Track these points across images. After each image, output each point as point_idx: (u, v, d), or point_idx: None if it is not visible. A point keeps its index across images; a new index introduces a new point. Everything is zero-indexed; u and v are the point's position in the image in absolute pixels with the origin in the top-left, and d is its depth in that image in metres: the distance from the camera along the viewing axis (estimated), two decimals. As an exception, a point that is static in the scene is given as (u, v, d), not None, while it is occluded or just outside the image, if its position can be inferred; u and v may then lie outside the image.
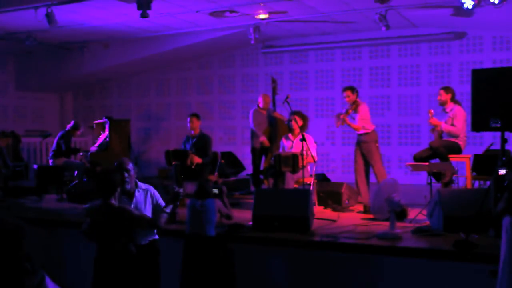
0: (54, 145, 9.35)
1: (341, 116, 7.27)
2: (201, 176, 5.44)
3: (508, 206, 4.08)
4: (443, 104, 7.19)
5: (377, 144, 7.43)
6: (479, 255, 4.70)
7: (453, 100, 7.26)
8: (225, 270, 5.22)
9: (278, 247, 5.53)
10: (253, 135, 8.67)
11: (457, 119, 7.04)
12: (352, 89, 7.44)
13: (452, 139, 7.11)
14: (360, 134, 7.45)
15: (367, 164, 7.39)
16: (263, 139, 8.42)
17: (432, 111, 7.21)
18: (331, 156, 11.17)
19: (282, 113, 8.60)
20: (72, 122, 9.53)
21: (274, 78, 8.50)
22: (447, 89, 7.23)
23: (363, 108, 7.41)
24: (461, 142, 7.13)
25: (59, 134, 9.38)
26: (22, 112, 13.11)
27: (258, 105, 8.74)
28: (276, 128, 8.47)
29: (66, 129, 9.38)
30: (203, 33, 10.72)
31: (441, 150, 7.02)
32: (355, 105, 7.35)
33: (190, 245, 5.22)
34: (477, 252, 4.71)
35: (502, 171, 4.38)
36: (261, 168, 8.59)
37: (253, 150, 8.64)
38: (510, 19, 8.59)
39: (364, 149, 7.39)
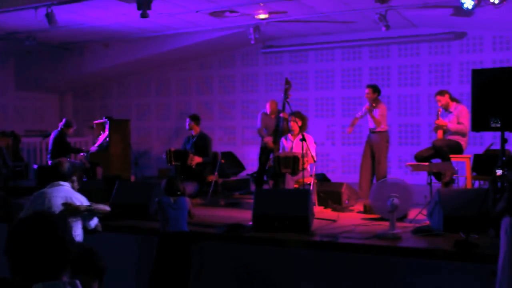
0: (50, 145, 9.36)
1: (367, 107, 7.73)
2: (173, 177, 5.63)
3: (508, 206, 4.08)
4: (446, 106, 7.29)
5: (387, 144, 7.82)
6: (479, 255, 4.70)
7: (453, 99, 7.33)
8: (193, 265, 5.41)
9: (278, 247, 5.53)
10: (261, 136, 8.76)
11: (462, 117, 7.12)
12: (374, 87, 7.85)
13: (455, 138, 7.14)
14: (374, 132, 7.78)
15: (374, 161, 7.72)
16: (268, 139, 8.44)
17: (441, 110, 7.28)
18: (331, 156, 11.16)
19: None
20: (64, 120, 9.56)
21: (289, 80, 8.43)
22: (441, 92, 7.34)
23: (382, 107, 7.81)
24: (463, 142, 7.17)
25: (53, 133, 9.41)
26: (22, 112, 13.10)
27: (266, 111, 8.85)
28: (283, 129, 8.47)
29: (59, 128, 9.41)
30: (203, 33, 10.72)
31: (444, 150, 7.05)
32: (375, 103, 7.75)
33: (167, 242, 5.31)
34: (477, 252, 4.71)
35: (499, 172, 4.38)
36: (267, 168, 8.59)
37: (262, 149, 8.69)
38: (510, 19, 8.59)
39: (375, 146, 7.75)
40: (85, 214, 4.53)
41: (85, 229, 4.62)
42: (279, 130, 8.37)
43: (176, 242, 5.31)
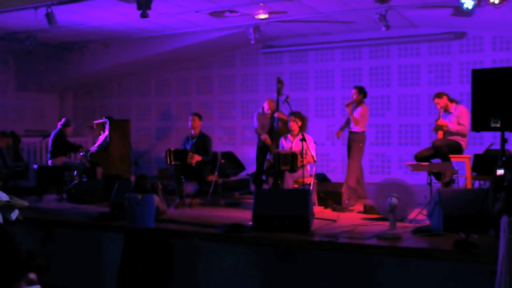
0: (50, 145, 9.39)
1: (347, 102, 8.13)
2: (142, 175, 5.88)
3: (505, 206, 4.09)
4: (446, 108, 7.31)
5: (361, 144, 8.13)
6: (479, 255, 4.70)
7: (452, 100, 7.35)
8: (164, 262, 5.62)
9: (278, 247, 5.53)
10: (258, 135, 8.72)
11: (462, 118, 7.14)
12: (360, 89, 8.15)
13: (455, 138, 7.15)
14: (351, 132, 8.15)
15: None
16: (265, 136, 8.44)
17: (442, 111, 7.31)
18: (331, 156, 11.16)
19: (284, 113, 8.60)
20: (63, 120, 9.62)
21: (281, 79, 8.46)
22: (439, 95, 7.39)
23: (364, 108, 8.07)
24: (463, 142, 7.17)
25: (53, 133, 9.45)
26: (22, 112, 13.10)
27: (262, 109, 8.78)
28: (278, 129, 8.47)
29: (58, 128, 9.45)
30: (203, 33, 10.72)
31: (443, 149, 7.06)
32: (359, 104, 8.05)
33: (133, 238, 5.54)
34: (477, 252, 4.71)
35: (500, 171, 4.38)
36: (265, 168, 8.58)
37: (258, 149, 8.68)
38: (510, 19, 8.59)
39: (349, 145, 8.19)
40: (5, 208, 4.80)
41: (7, 220, 4.89)
42: (274, 130, 8.38)
43: (141, 239, 5.53)
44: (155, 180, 7.21)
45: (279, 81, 8.44)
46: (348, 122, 8.33)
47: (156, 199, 5.81)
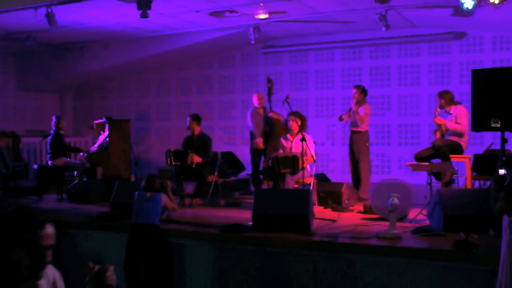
0: (48, 146, 9.39)
1: (353, 103, 8.01)
2: (152, 175, 6.09)
3: (506, 206, 4.09)
4: (442, 106, 7.34)
5: (367, 144, 8.09)
6: (479, 255, 4.70)
7: (453, 102, 7.37)
8: (167, 259, 5.74)
9: (278, 247, 5.53)
10: (252, 135, 8.70)
11: (460, 117, 7.17)
12: (361, 88, 8.14)
13: (455, 138, 7.16)
14: (355, 132, 8.09)
15: (354, 160, 8.08)
16: (259, 140, 8.43)
17: (438, 109, 7.34)
18: (331, 156, 11.16)
19: (282, 113, 8.59)
20: (53, 119, 9.64)
21: (270, 78, 8.47)
22: (440, 94, 7.45)
23: (367, 107, 8.08)
24: (463, 142, 7.20)
25: (50, 136, 9.46)
26: (22, 112, 13.10)
27: (254, 106, 8.78)
28: (272, 129, 8.47)
29: (53, 129, 9.47)
30: (203, 33, 10.72)
31: (444, 150, 7.07)
32: (361, 103, 8.02)
33: (137, 233, 5.63)
34: (477, 252, 4.71)
35: (502, 171, 4.39)
36: (261, 168, 8.59)
37: (252, 151, 8.67)
38: (510, 19, 8.59)
39: (354, 146, 8.08)
40: None
41: None
42: (268, 131, 8.38)
43: (145, 234, 5.60)
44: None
45: (269, 80, 8.45)
46: (350, 112, 8.22)
47: (164, 198, 5.87)
